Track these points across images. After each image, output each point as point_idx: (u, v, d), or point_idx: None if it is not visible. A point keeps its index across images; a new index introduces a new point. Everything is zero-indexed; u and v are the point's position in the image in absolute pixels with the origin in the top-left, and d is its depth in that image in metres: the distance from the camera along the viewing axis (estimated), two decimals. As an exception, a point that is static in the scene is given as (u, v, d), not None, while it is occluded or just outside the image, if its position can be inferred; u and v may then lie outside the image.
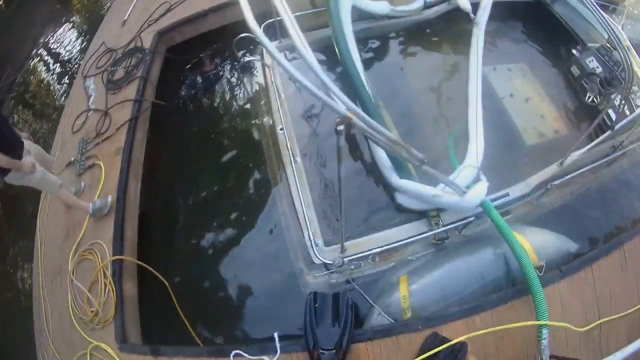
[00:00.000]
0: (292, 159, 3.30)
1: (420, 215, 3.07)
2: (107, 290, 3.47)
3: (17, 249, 6.24)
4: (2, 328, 5.93)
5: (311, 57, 1.77)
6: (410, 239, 2.91)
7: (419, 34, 4.36)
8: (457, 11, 4.21)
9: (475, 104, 3.42)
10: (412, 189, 2.94)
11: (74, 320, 3.61)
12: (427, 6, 4.31)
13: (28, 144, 3.57)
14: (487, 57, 3.80)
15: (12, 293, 6.09)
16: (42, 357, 4.01)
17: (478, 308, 2.56)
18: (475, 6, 4.07)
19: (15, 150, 3.33)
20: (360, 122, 1.76)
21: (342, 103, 1.74)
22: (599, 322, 2.66)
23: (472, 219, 2.99)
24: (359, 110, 1.76)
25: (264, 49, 3.87)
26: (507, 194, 3.17)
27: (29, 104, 8.32)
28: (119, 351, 3.25)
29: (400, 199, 3.11)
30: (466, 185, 2.85)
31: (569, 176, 3.22)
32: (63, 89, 8.04)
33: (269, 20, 3.68)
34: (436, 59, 4.17)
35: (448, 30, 4.34)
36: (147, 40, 4.70)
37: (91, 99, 4.52)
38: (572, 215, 3.30)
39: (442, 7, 4.35)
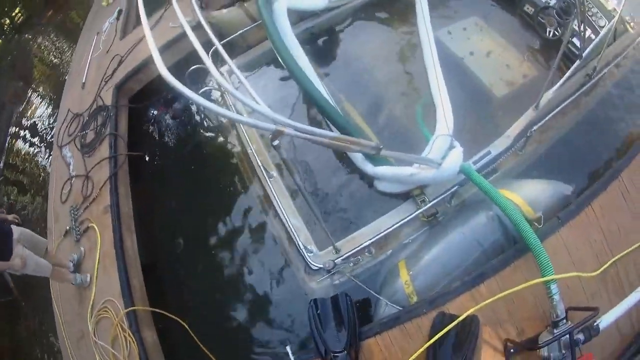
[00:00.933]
0: (266, 175, 3.31)
1: (405, 197, 3.03)
2: (128, 343, 3.51)
3: (38, 322, 6.41)
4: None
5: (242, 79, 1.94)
6: (401, 223, 2.87)
7: (364, 17, 4.32)
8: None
9: (433, 71, 3.36)
10: (388, 174, 2.91)
11: None
12: None
13: (16, 231, 3.64)
14: (438, 20, 3.74)
15: None
16: None
17: (481, 277, 2.48)
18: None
19: (3, 251, 3.45)
20: (293, 131, 1.76)
21: (271, 119, 1.74)
22: (612, 260, 2.55)
23: (456, 187, 2.92)
24: (287, 120, 1.76)
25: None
26: (489, 152, 3.09)
27: (17, 182, 8.52)
28: None
29: (380, 185, 3.09)
30: (442, 155, 2.79)
31: (547, 117, 3.11)
32: (47, 160, 8.18)
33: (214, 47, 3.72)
34: (388, 37, 4.12)
35: (391, 5, 4.29)
36: (108, 97, 4.75)
37: (71, 167, 4.58)
38: (562, 157, 3.21)
39: None
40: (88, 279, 3.93)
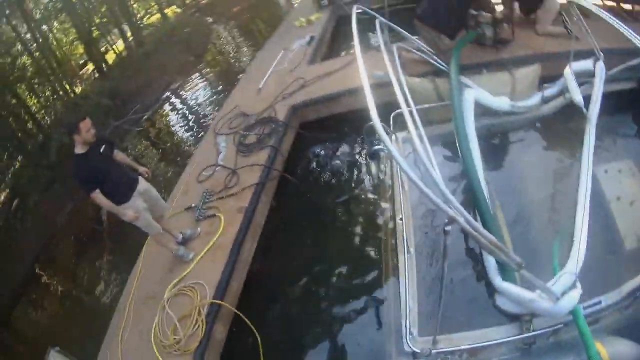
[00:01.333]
0: (406, 249, 3.39)
1: (514, 318, 3.03)
2: (196, 327, 3.66)
3: (114, 264, 6.68)
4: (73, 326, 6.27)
5: (429, 154, 2.03)
6: (500, 341, 2.89)
7: (535, 131, 4.40)
8: (571, 106, 4.18)
9: (582, 208, 3.38)
10: (512, 293, 2.96)
11: (153, 342, 3.81)
12: (544, 101, 4.32)
13: (143, 184, 3.89)
14: (599, 153, 3.78)
15: (93, 300, 6.48)
16: None
17: None
18: (587, 99, 4.04)
19: (121, 193, 3.69)
20: (464, 223, 1.93)
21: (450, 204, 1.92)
22: None
23: (561, 326, 2.90)
24: (464, 211, 1.93)
25: (394, 137, 4.03)
26: (600, 302, 3.01)
27: (153, 142, 9.20)
28: None
29: (499, 301, 3.11)
30: (562, 291, 2.80)
31: None
32: (187, 135, 8.83)
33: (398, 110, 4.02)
34: (551, 158, 4.19)
35: (562, 127, 4.32)
36: (281, 112, 5.11)
37: (220, 156, 5.01)
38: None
39: (558, 102, 4.32)
40: (191, 256, 4.16)
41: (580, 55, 4.26)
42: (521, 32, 4.87)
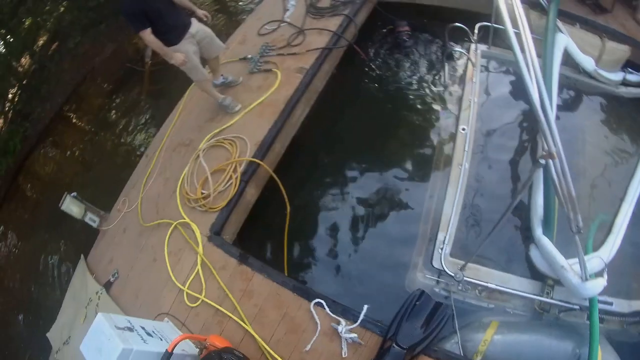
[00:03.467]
0: (462, 161, 3.26)
1: (539, 276, 3.03)
2: (228, 184, 3.52)
3: (150, 108, 6.43)
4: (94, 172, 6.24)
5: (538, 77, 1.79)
6: (520, 293, 2.92)
7: (608, 106, 4.17)
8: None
9: (629, 204, 3.27)
10: (547, 249, 2.90)
11: (178, 191, 3.74)
12: (625, 83, 4.14)
13: (195, 26, 3.61)
14: None
15: (120, 147, 6.34)
16: (122, 206, 4.19)
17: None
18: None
19: (173, 36, 3.45)
20: (558, 165, 1.86)
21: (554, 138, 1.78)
22: None
23: (577, 307, 2.92)
24: (562, 153, 1.79)
25: (472, 45, 3.81)
26: (611, 304, 3.01)
27: None
28: (207, 240, 3.32)
29: (532, 253, 3.08)
30: (589, 275, 2.77)
31: None
32: None
33: (483, 23, 3.67)
34: (613, 138, 4.00)
35: (633, 115, 4.12)
36: None
37: (287, 13, 4.63)
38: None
39: (636, 91, 4.15)
40: (237, 108, 3.93)
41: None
42: (620, 10, 4.50)
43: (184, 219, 3.50)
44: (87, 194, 4.71)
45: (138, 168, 4.53)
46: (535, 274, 3.00)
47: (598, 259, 2.88)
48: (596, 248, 3.02)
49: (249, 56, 4.29)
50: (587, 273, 2.65)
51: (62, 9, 9.14)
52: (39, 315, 5.56)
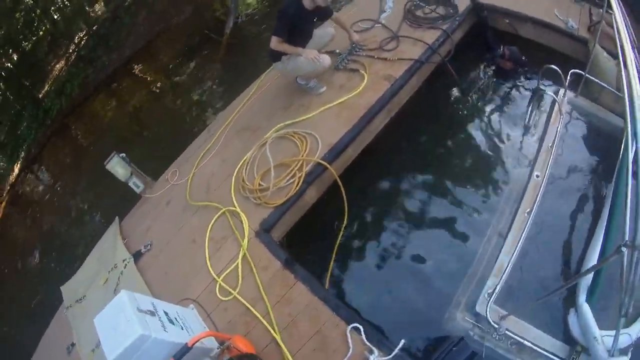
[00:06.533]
0: (530, 209, 3.02)
1: (569, 340, 2.80)
2: (290, 181, 3.29)
3: (221, 80, 6.27)
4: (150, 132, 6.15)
5: None
6: (551, 356, 2.73)
7: None
8: None
9: None
10: (586, 318, 2.76)
11: (234, 179, 3.52)
12: None
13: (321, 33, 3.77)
14: None
15: (182, 111, 6.22)
16: (171, 177, 4.01)
17: None
18: None
19: (299, 46, 3.54)
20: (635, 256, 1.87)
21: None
22: None
23: None
24: None
25: (561, 90, 3.54)
26: None
27: None
28: (254, 234, 3.11)
29: (571, 318, 2.91)
30: (614, 351, 2.62)
31: None
32: None
33: (577, 70, 3.37)
34: None
35: None
36: (463, 1, 4.24)
37: (384, 15, 4.35)
38: None
39: None
40: (322, 90, 3.85)
41: None
42: None
43: (235, 207, 3.29)
44: (135, 154, 4.59)
45: (196, 141, 4.36)
46: (566, 336, 2.81)
47: (627, 336, 2.71)
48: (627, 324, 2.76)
49: (337, 51, 4.03)
50: (616, 349, 2.54)
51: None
52: (58, 261, 5.53)
